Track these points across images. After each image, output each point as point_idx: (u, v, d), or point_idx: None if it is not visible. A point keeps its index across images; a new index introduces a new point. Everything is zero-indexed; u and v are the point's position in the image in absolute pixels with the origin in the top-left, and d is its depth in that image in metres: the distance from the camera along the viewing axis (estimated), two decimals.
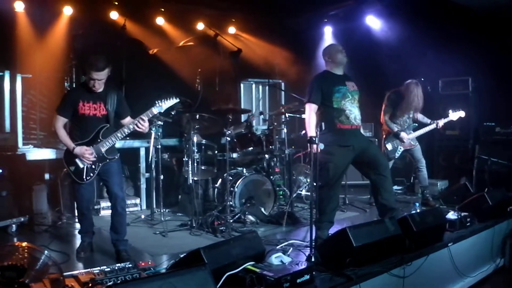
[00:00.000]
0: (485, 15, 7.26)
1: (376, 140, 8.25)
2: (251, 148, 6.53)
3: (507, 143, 7.56)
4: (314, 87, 5.02)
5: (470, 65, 7.82)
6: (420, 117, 6.97)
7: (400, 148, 6.74)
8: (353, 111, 5.03)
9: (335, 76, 5.11)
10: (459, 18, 7.46)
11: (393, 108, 6.76)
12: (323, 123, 4.69)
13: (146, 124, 4.61)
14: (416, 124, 6.88)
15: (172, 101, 4.73)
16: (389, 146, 6.75)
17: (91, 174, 4.60)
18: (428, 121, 6.90)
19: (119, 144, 4.69)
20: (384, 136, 6.86)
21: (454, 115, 6.91)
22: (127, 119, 4.78)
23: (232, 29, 9.38)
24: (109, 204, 4.87)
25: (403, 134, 6.67)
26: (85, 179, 4.59)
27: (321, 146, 4.57)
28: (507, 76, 7.52)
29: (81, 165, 4.55)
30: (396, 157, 6.79)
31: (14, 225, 5.57)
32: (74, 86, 6.89)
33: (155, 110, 4.65)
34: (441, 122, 6.83)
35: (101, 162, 4.61)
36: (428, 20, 7.69)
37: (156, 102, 4.67)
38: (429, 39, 7.85)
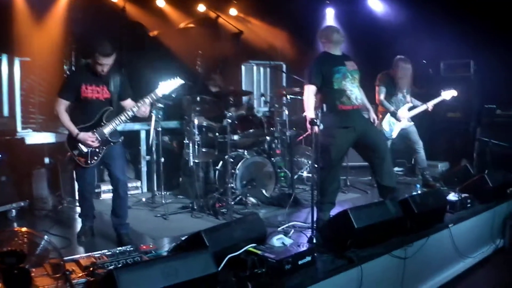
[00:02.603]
0: None
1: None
2: (252, 130, 6.50)
3: (508, 125, 7.54)
4: (314, 69, 4.98)
5: (472, 47, 7.75)
6: (412, 99, 6.95)
7: (397, 128, 6.73)
8: (354, 91, 5.01)
9: (333, 57, 5.07)
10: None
11: (386, 88, 6.76)
12: (324, 105, 4.66)
13: (146, 108, 4.56)
14: (412, 104, 6.87)
15: (176, 82, 4.62)
16: (386, 127, 6.73)
17: (96, 158, 4.54)
18: (419, 103, 6.89)
19: (119, 127, 4.65)
20: (380, 117, 6.81)
21: (446, 94, 6.90)
22: (128, 101, 4.72)
23: (233, 11, 9.29)
24: (109, 187, 4.86)
25: (400, 113, 6.66)
26: (89, 163, 4.54)
27: (320, 126, 4.55)
28: (508, 58, 7.45)
29: (85, 150, 4.49)
30: (393, 137, 6.78)
31: (14, 210, 5.57)
32: (75, 68, 6.81)
33: (159, 92, 4.57)
34: (431, 104, 6.83)
35: (105, 145, 4.55)
36: (430, 2, 7.62)
37: (160, 83, 4.57)
38: (431, 21, 7.77)
